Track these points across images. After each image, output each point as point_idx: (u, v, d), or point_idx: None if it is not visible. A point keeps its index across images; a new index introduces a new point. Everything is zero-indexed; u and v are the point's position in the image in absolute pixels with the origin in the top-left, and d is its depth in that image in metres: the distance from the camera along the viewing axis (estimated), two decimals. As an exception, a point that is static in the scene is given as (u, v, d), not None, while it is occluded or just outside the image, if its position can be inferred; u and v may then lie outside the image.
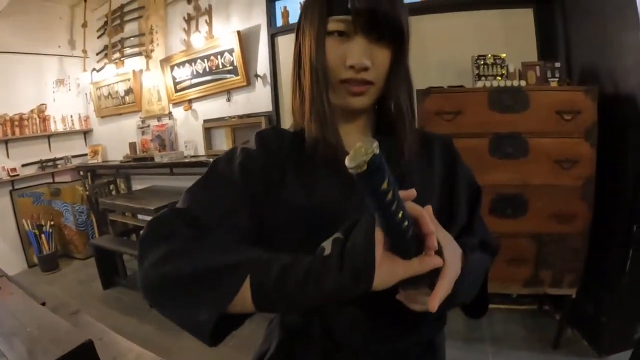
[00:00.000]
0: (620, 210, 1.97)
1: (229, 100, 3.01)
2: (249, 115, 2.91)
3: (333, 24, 0.55)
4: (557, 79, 2.05)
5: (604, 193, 1.97)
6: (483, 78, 2.09)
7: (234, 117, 2.97)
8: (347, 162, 0.36)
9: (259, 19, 2.84)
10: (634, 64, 1.90)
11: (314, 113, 0.57)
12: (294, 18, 2.75)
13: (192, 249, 0.47)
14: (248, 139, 0.65)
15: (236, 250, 0.48)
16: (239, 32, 2.87)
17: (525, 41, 2.28)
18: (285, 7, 2.78)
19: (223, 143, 3.07)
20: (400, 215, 0.40)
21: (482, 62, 2.10)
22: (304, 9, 0.61)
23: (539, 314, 2.35)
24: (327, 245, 0.44)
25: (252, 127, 2.88)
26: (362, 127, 0.64)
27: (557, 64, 2.08)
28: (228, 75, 2.98)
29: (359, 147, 0.36)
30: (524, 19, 2.28)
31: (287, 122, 2.83)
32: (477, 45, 2.21)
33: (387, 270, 0.42)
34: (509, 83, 2.03)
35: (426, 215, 0.43)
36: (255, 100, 2.89)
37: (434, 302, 0.43)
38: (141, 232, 0.54)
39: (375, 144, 0.35)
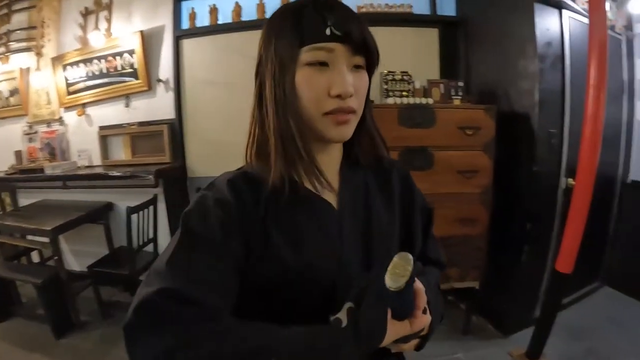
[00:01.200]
0: (516, 212, 2.18)
1: (127, 105, 2.68)
2: (149, 123, 2.61)
3: (308, 55, 0.52)
4: (459, 97, 2.09)
5: (501, 198, 2.15)
6: (391, 94, 2.08)
7: (133, 124, 2.64)
8: (388, 282, 0.45)
9: (164, 19, 2.59)
10: (528, 88, 2.05)
11: (288, 155, 0.54)
12: (201, 21, 2.55)
13: (200, 337, 0.44)
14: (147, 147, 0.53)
15: (252, 331, 0.46)
16: (142, 32, 2.59)
17: (429, 59, 2.32)
18: (193, 9, 2.56)
19: (121, 152, 2.72)
20: (410, 298, 0.49)
21: (390, 78, 2.09)
22: (267, 37, 0.56)
23: (445, 304, 2.44)
24: (342, 317, 0.48)
25: (154, 136, 2.58)
26: (333, 160, 0.62)
27: (460, 83, 2.12)
28: (127, 79, 2.66)
29: (396, 265, 0.45)
30: (430, 38, 2.32)
31: (190, 131, 2.59)
32: (384, 61, 2.17)
33: (389, 335, 0.49)
34: (416, 100, 2.05)
35: (424, 292, 0.52)
36: (157, 106, 2.60)
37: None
38: (127, 319, 0.46)
39: (411, 260, 0.45)
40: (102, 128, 2.78)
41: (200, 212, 0.53)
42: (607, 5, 2.33)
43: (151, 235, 2.50)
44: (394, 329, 0.49)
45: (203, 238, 0.51)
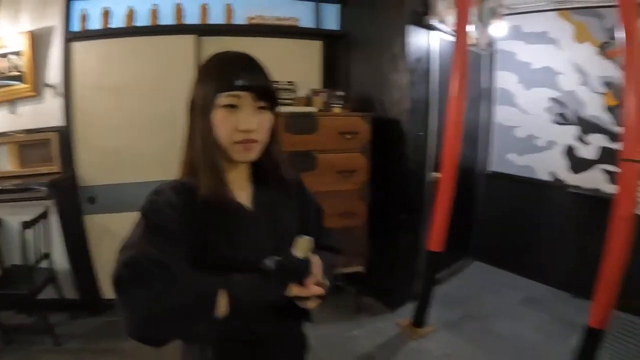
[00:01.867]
0: (391, 204, 2.51)
1: (12, 111, 2.53)
2: (37, 130, 2.48)
3: (224, 99, 0.70)
4: (339, 105, 2.31)
5: (378, 193, 2.45)
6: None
7: (19, 132, 2.50)
8: (297, 253, 0.68)
9: (53, 19, 2.47)
10: (398, 97, 2.36)
11: (209, 172, 0.73)
12: (93, 23, 2.47)
13: (176, 286, 0.61)
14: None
15: (212, 277, 0.65)
16: (30, 33, 2.45)
17: (312, 70, 2.52)
18: (85, 11, 2.47)
19: (7, 163, 2.52)
20: (309, 267, 0.70)
21: (276, 88, 2.23)
22: (198, 79, 0.76)
23: (337, 288, 2.69)
24: (270, 263, 0.69)
25: (42, 144, 2.47)
26: (244, 175, 0.81)
27: (340, 92, 2.36)
28: (12, 82, 2.50)
29: (302, 242, 0.68)
30: (313, 50, 2.52)
31: (81, 138, 2.52)
32: (270, 70, 2.32)
33: (289, 289, 0.69)
34: (301, 109, 2.22)
35: (319, 264, 0.73)
36: (45, 113, 2.48)
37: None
38: (117, 273, 0.61)
39: (310, 240, 0.69)
40: (-16, 136, 2.58)
41: (154, 209, 0.69)
42: (473, 27, 2.72)
43: (46, 250, 2.39)
44: (293, 288, 0.70)
45: (161, 227, 0.67)
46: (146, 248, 0.64)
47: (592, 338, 1.73)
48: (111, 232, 2.56)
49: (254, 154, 0.75)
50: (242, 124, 0.71)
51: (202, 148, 0.73)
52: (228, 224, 0.75)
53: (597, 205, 2.53)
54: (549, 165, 3.01)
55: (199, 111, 0.73)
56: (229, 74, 0.71)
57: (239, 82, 0.70)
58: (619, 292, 1.66)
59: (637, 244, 1.66)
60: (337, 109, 2.30)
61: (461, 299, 2.77)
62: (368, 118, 2.27)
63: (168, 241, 0.67)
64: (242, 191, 0.80)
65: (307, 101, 2.31)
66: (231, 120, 0.71)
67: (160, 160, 2.39)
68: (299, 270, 0.70)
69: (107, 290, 2.59)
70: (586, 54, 2.77)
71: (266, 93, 0.73)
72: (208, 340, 0.73)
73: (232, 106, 0.71)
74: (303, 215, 0.89)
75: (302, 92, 2.32)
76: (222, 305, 0.63)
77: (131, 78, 2.47)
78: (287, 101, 2.24)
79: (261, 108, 0.73)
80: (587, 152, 2.83)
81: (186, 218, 0.70)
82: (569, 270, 2.78)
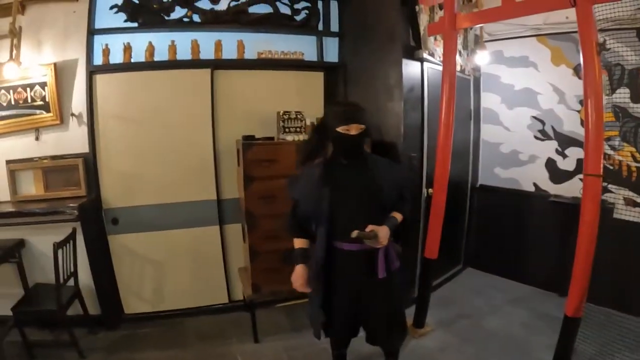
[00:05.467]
0: None
1: (37, 139, 2.71)
2: (63, 157, 2.67)
3: None
4: (341, 131, 2.58)
5: None
6: (287, 130, 2.51)
7: (45, 157, 2.68)
8: None
9: (76, 52, 2.67)
10: (394, 124, 2.63)
11: None
12: (115, 57, 2.69)
13: None
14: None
15: None
16: (55, 65, 2.64)
17: (316, 99, 2.81)
18: (107, 45, 2.68)
19: (31, 187, 2.71)
20: None
21: (287, 117, 2.53)
22: None
23: None
24: None
25: (67, 170, 2.66)
26: None
27: (342, 120, 2.62)
28: (38, 111, 2.69)
29: None
30: (317, 81, 2.80)
31: (104, 163, 2.71)
32: (276, 100, 2.66)
33: None
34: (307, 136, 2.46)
35: None
36: (69, 140, 2.68)
37: None
38: None
39: None
40: (9, 162, 2.70)
41: None
42: (458, 54, 3.00)
43: (72, 270, 2.49)
44: None
45: None
46: None
47: (569, 326, 1.93)
48: (131, 251, 2.77)
49: None
50: None
51: None
52: None
53: (576, 212, 2.68)
54: (532, 177, 3.29)
55: None
56: None
57: None
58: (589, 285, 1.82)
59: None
60: (342, 135, 2.54)
61: (454, 300, 3.03)
62: (367, 142, 2.51)
63: None
64: None
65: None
66: None
67: (175, 184, 2.68)
68: None
69: (129, 306, 2.84)
70: (562, 75, 3.06)
71: None
72: None
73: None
74: None
75: (308, 120, 2.56)
76: None
77: (150, 108, 2.68)
78: (297, 130, 2.49)
79: None
80: (566, 164, 3.12)
81: None
82: (554, 271, 3.00)
